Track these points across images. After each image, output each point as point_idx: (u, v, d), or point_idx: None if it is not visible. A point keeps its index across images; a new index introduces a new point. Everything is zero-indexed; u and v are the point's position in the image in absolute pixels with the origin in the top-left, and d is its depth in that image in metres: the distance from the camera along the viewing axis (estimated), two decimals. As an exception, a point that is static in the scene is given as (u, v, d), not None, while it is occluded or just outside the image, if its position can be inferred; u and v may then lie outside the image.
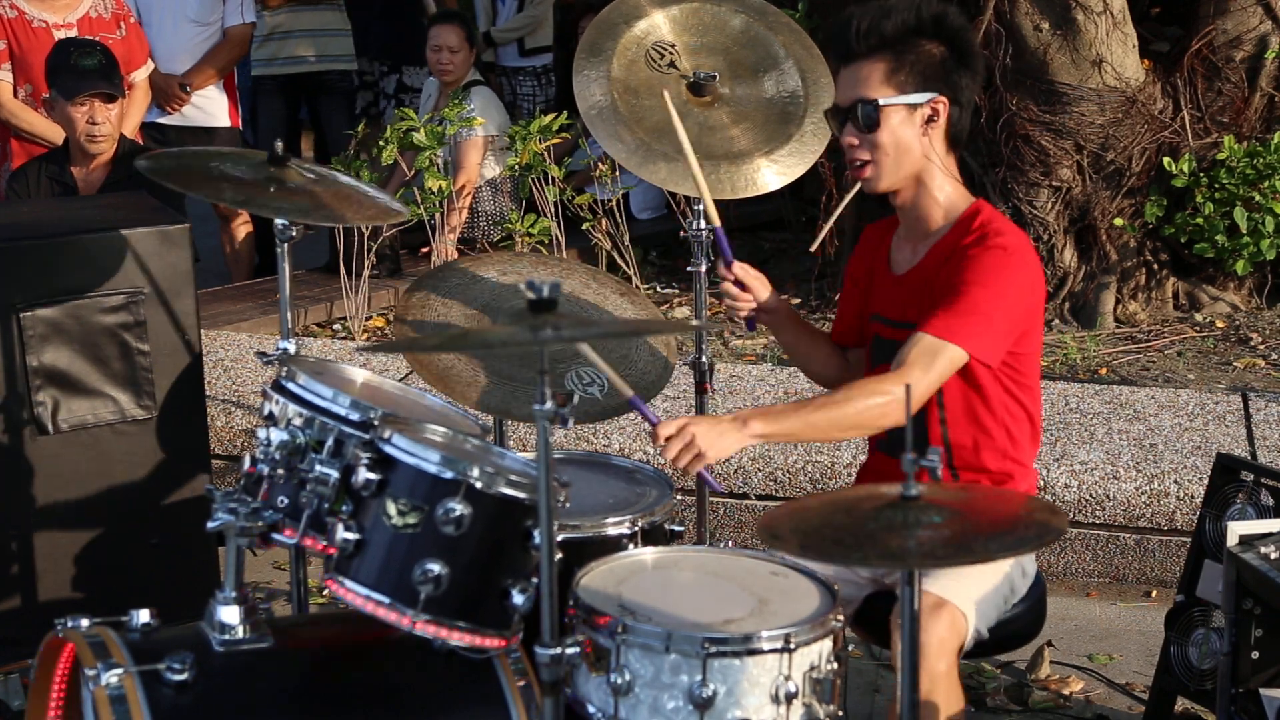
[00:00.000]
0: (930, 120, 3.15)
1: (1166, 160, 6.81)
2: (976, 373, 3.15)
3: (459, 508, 2.66)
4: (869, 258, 3.41)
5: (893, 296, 3.27)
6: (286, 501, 2.85)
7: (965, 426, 3.20)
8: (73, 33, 6.12)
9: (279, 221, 3.48)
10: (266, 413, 2.97)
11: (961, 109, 3.17)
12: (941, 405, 3.18)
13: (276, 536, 2.85)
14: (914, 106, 3.13)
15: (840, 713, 2.68)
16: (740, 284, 3.40)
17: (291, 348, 3.41)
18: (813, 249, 5.58)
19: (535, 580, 2.73)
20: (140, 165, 3.48)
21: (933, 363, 3.03)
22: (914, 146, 3.15)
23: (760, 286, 3.41)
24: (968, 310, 3.05)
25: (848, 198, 6.94)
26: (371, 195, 3.67)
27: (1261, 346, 6.64)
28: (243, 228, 7.40)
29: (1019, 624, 3.25)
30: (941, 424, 3.20)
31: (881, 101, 3.11)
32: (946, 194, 3.21)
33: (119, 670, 2.66)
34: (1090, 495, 4.81)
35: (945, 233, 3.19)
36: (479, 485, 2.68)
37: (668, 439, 2.95)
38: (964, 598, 3.00)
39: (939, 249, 3.19)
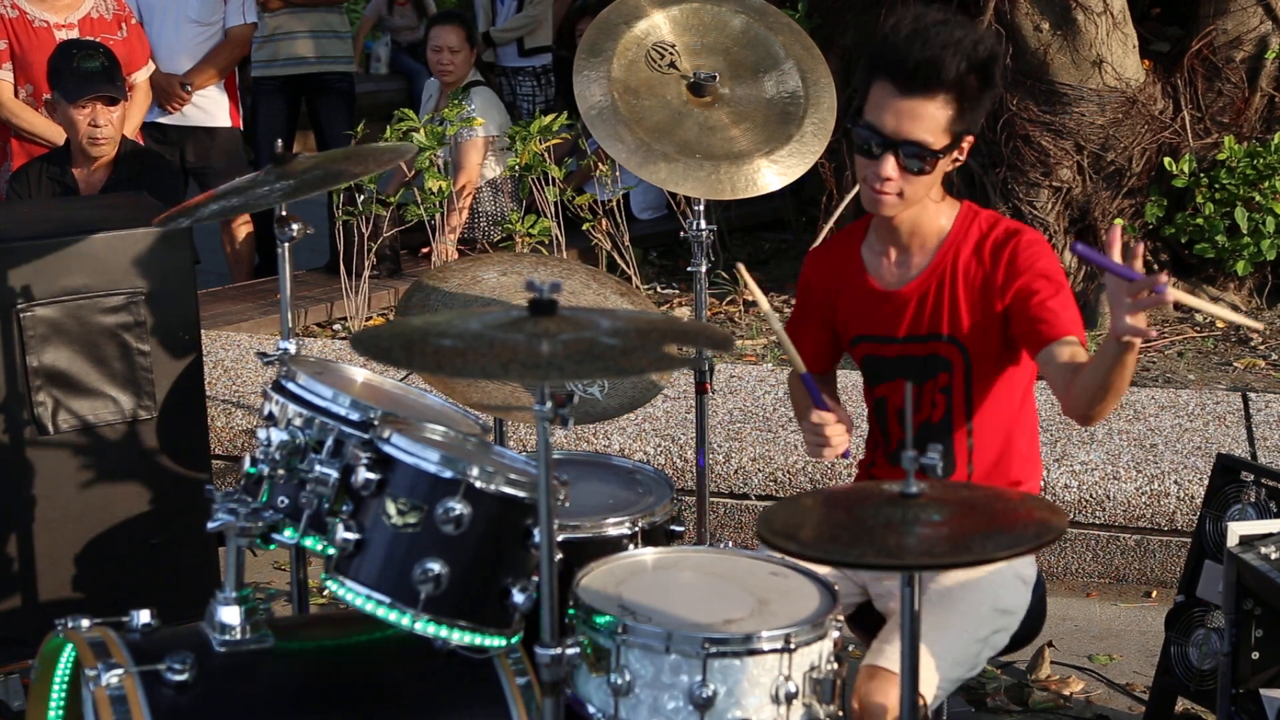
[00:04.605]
0: (956, 159, 3.09)
1: (1167, 160, 6.81)
2: (1013, 380, 3.17)
3: (458, 507, 2.67)
4: (826, 283, 3.32)
5: (886, 314, 3.21)
6: (286, 502, 2.85)
7: (992, 440, 3.19)
8: (74, 33, 6.12)
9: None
10: (266, 413, 2.97)
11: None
12: (970, 431, 3.18)
13: (276, 536, 2.86)
14: (954, 150, 3.06)
15: (840, 713, 2.67)
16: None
17: (292, 348, 3.41)
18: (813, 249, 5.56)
19: (535, 579, 2.73)
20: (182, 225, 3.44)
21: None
22: (939, 181, 3.11)
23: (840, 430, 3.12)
24: (1073, 306, 3.08)
25: (848, 197, 6.97)
26: (375, 149, 3.64)
27: (1261, 346, 6.64)
28: (243, 228, 7.40)
29: (1020, 625, 3.25)
30: (968, 436, 3.18)
31: (940, 151, 3.02)
32: (940, 206, 3.18)
33: (119, 670, 2.66)
34: (1090, 495, 4.81)
35: (946, 240, 3.16)
36: (478, 484, 2.68)
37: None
38: (921, 676, 2.90)
39: (948, 257, 3.15)
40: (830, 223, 7.01)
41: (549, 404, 2.38)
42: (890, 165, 3.03)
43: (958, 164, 3.11)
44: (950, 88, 2.98)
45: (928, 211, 3.16)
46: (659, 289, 7.60)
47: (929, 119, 3.00)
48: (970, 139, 3.08)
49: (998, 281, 3.10)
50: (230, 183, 3.50)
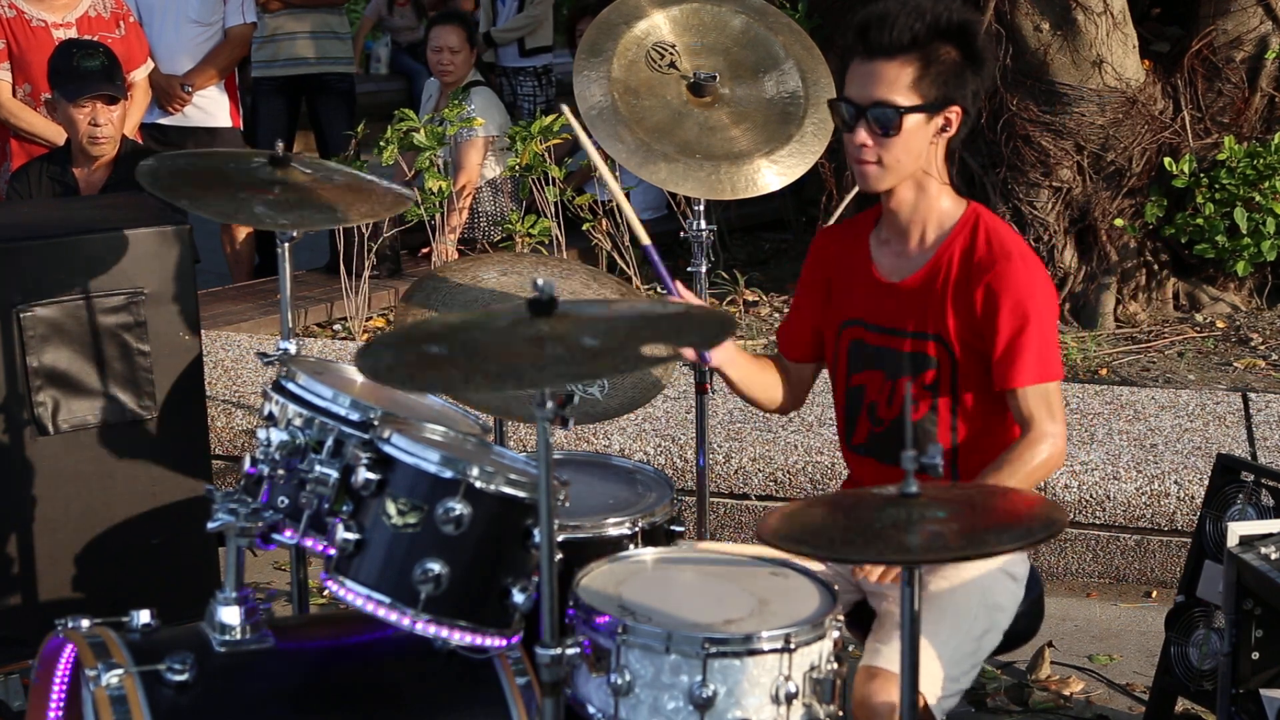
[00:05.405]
0: (943, 130, 3.08)
1: (1167, 160, 6.81)
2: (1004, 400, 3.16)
3: (459, 507, 2.67)
4: (830, 264, 3.32)
5: (882, 303, 3.20)
6: (286, 502, 2.85)
7: (979, 447, 3.16)
8: (72, 32, 6.12)
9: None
10: (266, 413, 2.97)
11: (970, 118, 3.10)
12: (954, 433, 3.16)
13: (276, 536, 2.85)
14: (932, 115, 3.05)
15: (840, 713, 2.67)
16: None
17: (292, 348, 3.41)
18: (824, 229, 5.57)
19: (535, 579, 2.73)
20: (142, 175, 3.45)
21: (1051, 404, 3.06)
22: (923, 153, 3.08)
23: None
24: (1038, 345, 3.06)
25: (848, 198, 6.97)
26: (376, 184, 3.65)
27: (1262, 347, 6.64)
28: (243, 228, 7.40)
29: (1018, 624, 3.24)
30: (952, 437, 3.17)
31: (905, 108, 3.02)
32: (944, 199, 3.16)
33: (119, 671, 2.66)
34: (1090, 496, 4.81)
35: (946, 239, 3.14)
36: (478, 484, 2.68)
37: None
38: (923, 674, 2.87)
39: (944, 257, 3.14)
40: (830, 222, 7.01)
41: (549, 404, 2.38)
42: (863, 132, 3.06)
43: (945, 134, 3.08)
44: (908, 48, 3.01)
45: (928, 200, 3.14)
46: (659, 289, 7.59)
47: (889, 79, 3.02)
48: (956, 110, 3.06)
49: (976, 299, 3.09)
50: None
